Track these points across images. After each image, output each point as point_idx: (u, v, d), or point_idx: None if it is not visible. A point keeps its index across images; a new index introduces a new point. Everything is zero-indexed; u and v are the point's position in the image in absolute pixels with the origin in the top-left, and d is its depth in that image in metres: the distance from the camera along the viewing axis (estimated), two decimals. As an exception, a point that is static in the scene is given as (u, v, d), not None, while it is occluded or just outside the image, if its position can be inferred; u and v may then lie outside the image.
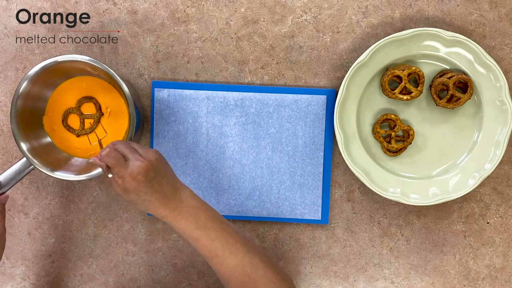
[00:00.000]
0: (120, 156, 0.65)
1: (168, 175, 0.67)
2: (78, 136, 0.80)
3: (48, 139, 0.80)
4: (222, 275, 0.68)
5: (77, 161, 0.80)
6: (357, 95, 0.79)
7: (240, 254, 0.66)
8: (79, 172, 0.75)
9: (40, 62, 0.74)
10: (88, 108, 0.80)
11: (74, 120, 0.81)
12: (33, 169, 0.75)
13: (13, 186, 0.74)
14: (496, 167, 0.78)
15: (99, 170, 0.74)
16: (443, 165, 0.81)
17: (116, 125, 0.80)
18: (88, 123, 0.80)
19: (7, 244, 0.84)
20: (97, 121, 0.80)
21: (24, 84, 0.74)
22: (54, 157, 0.78)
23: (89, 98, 0.80)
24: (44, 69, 0.74)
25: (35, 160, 0.75)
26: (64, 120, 0.80)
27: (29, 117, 0.77)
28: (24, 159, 0.74)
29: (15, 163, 0.75)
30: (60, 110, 0.80)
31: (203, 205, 0.68)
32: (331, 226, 0.84)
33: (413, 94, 0.77)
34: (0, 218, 0.73)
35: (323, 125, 0.82)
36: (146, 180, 0.65)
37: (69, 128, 0.80)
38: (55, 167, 0.76)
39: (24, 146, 0.75)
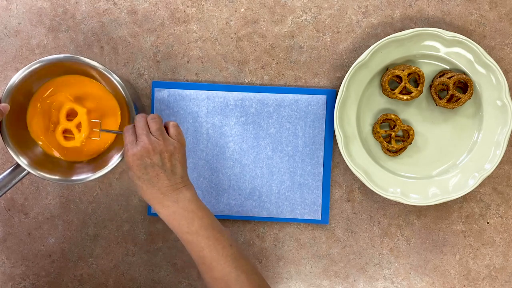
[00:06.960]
0: (135, 129, 0.66)
1: (173, 172, 0.66)
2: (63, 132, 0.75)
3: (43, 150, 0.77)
4: (207, 283, 0.67)
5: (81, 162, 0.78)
6: (357, 95, 0.79)
7: (227, 268, 0.64)
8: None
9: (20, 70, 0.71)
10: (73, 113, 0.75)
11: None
12: (27, 173, 0.72)
13: (10, 189, 0.73)
14: (496, 167, 0.78)
15: (100, 170, 0.73)
16: (443, 165, 0.81)
17: (108, 124, 0.77)
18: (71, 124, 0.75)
19: (7, 244, 0.84)
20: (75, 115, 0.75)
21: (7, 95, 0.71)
22: (60, 166, 0.76)
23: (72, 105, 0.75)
24: (24, 77, 0.71)
25: (42, 173, 0.72)
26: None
27: (17, 130, 0.74)
28: (17, 163, 0.72)
29: (8, 169, 0.72)
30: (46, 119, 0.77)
31: (201, 211, 0.66)
32: (331, 226, 0.84)
33: (413, 94, 0.77)
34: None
35: (323, 125, 0.82)
36: (141, 164, 0.64)
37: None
38: (63, 174, 0.74)
39: (24, 160, 0.72)
